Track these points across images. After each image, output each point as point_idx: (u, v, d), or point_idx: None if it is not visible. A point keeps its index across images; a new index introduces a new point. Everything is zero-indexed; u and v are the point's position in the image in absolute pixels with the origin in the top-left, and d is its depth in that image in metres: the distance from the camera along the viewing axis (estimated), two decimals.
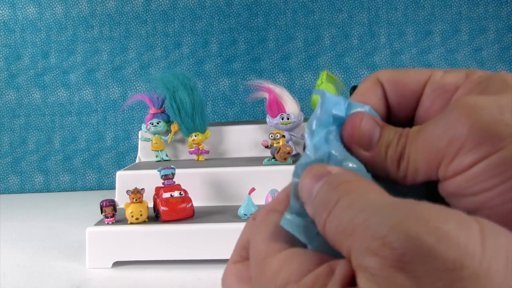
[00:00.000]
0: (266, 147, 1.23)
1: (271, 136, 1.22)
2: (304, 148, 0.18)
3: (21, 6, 1.96)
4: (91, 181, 1.97)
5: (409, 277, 0.12)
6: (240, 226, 1.00)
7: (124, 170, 1.24)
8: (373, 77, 0.19)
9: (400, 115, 0.19)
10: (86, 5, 1.97)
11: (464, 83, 0.17)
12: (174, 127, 1.34)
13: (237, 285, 0.17)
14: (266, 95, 1.29)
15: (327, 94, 0.17)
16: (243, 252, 0.18)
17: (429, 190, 0.18)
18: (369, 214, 0.13)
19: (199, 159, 1.32)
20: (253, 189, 1.04)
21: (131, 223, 1.02)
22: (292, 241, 0.16)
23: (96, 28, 1.97)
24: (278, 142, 1.21)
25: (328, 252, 0.15)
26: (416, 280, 0.12)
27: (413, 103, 0.19)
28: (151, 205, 1.10)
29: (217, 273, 0.96)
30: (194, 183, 1.16)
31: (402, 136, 0.17)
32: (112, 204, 1.04)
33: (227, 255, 0.98)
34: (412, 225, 0.12)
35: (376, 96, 0.19)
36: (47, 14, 1.96)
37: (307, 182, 0.16)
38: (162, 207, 1.02)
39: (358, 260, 0.13)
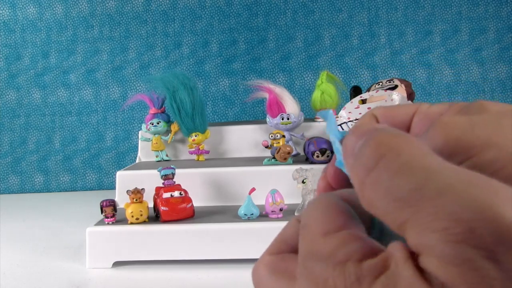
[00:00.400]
0: (266, 147, 1.23)
1: (271, 136, 1.22)
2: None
3: (21, 6, 1.96)
4: (91, 181, 1.97)
5: (502, 270, 0.11)
6: (240, 226, 1.01)
7: (124, 170, 1.24)
8: (368, 113, 0.21)
9: None
10: (86, 5, 1.97)
11: (447, 111, 0.18)
12: (174, 127, 1.35)
13: (268, 276, 0.17)
14: (266, 95, 1.29)
15: (330, 111, 0.19)
16: (283, 246, 0.17)
17: None
18: (440, 187, 0.12)
19: (199, 159, 1.32)
20: (253, 189, 1.04)
21: (131, 223, 1.02)
22: (350, 224, 0.16)
23: (96, 28, 1.97)
24: (278, 142, 1.21)
25: None
26: (509, 273, 0.11)
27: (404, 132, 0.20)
28: (151, 205, 1.10)
29: (217, 273, 0.96)
30: (194, 183, 1.16)
31: None
32: (112, 204, 1.04)
33: (227, 255, 0.97)
34: (501, 210, 0.11)
35: None
36: (47, 14, 1.96)
37: (352, 139, 0.15)
38: (162, 207, 1.02)
39: (426, 240, 0.12)
